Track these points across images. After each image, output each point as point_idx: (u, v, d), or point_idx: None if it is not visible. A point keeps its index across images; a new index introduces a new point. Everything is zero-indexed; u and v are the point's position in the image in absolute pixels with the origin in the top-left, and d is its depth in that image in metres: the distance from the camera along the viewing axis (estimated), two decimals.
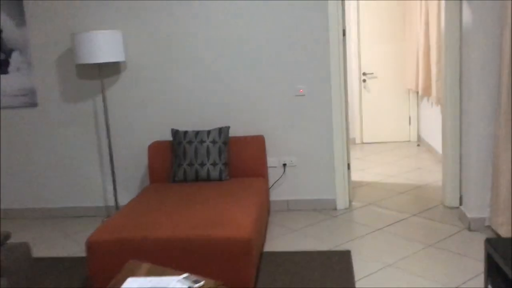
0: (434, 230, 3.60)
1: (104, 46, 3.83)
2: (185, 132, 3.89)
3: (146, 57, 4.17)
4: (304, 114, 4.12)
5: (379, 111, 6.95)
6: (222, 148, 3.82)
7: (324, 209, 4.23)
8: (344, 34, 4.06)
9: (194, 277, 2.13)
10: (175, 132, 3.91)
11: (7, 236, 2.53)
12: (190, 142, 3.82)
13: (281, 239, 3.63)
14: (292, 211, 4.24)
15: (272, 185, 4.25)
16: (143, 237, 2.77)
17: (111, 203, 4.45)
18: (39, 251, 3.72)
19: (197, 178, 3.79)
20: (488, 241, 2.25)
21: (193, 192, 3.51)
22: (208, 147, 3.79)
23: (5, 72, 4.32)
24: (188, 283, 2.08)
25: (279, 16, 3.99)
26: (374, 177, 5.16)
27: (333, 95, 4.05)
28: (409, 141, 6.93)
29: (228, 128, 3.92)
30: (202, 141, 3.81)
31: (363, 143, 7.03)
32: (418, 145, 6.68)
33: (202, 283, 2.09)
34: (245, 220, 2.90)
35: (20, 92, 4.34)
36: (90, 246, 2.80)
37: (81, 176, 4.44)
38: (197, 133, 3.86)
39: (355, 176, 5.24)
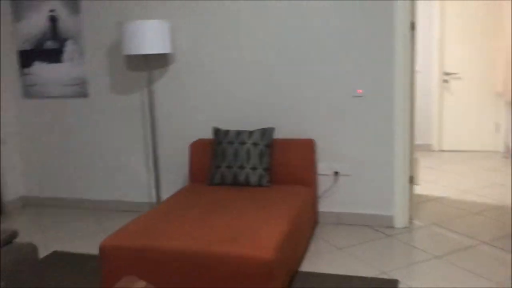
0: (505, 265, 2.99)
1: (150, 36, 3.63)
2: (227, 132, 3.60)
3: (194, 50, 3.94)
4: (361, 117, 3.65)
5: (463, 115, 6.20)
6: (264, 151, 3.48)
7: (379, 226, 3.74)
8: (413, 28, 3.53)
9: None
10: (216, 131, 3.64)
11: (13, 235, 2.40)
12: (230, 143, 3.52)
13: (323, 258, 3.23)
14: (342, 226, 3.80)
15: (322, 194, 3.84)
16: (155, 247, 2.52)
17: (155, 199, 4.29)
18: (68, 245, 3.63)
19: (235, 183, 3.49)
20: None
21: (226, 198, 3.21)
22: (248, 149, 3.47)
23: (59, 61, 4.30)
24: None
25: (335, 7, 3.55)
26: (445, 191, 4.54)
27: (396, 97, 3.54)
28: (495, 151, 6.12)
29: (272, 129, 3.57)
30: (243, 142, 3.50)
31: (441, 150, 6.33)
32: (506, 157, 5.86)
33: None
34: (272, 236, 2.55)
35: (72, 81, 4.31)
36: (103, 250, 2.61)
37: (126, 169, 4.33)
38: (238, 133, 3.56)
39: (423, 189, 4.65)
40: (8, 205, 4.49)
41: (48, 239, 3.78)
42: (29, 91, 4.44)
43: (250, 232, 2.60)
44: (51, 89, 4.37)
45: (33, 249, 2.41)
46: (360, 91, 3.62)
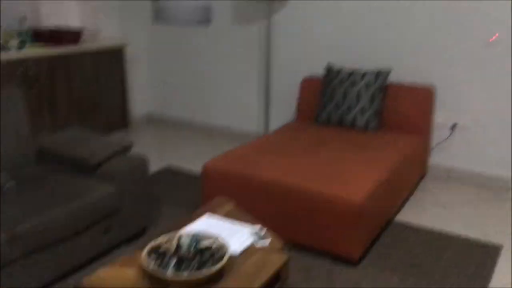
0: None
1: None
2: (339, 70, 3.49)
3: None
4: (491, 67, 3.29)
5: None
6: (376, 94, 3.34)
7: (494, 187, 3.45)
8: None
9: (264, 233, 1.91)
10: (329, 69, 3.55)
11: (128, 147, 2.66)
12: (341, 82, 3.43)
13: (424, 212, 3.10)
14: (452, 181, 3.57)
15: (435, 146, 3.62)
16: (251, 175, 2.63)
17: (263, 130, 4.41)
18: (180, 162, 3.92)
19: (341, 123, 3.42)
20: None
21: (329, 138, 3.18)
22: (359, 91, 3.35)
23: None
24: (254, 237, 1.87)
25: None
26: None
27: None
28: None
29: (388, 72, 3.38)
30: (354, 83, 3.38)
31: None
32: None
33: (267, 241, 1.86)
34: (367, 181, 2.50)
35: (197, 9, 4.45)
36: (205, 171, 2.79)
37: (240, 98, 4.47)
38: (351, 73, 3.43)
39: None
40: (135, 120, 4.95)
41: (163, 154, 4.13)
42: (158, 16, 4.70)
43: (346, 174, 2.57)
44: (178, 15, 4.57)
45: (145, 161, 2.65)
46: (496, 35, 3.23)
